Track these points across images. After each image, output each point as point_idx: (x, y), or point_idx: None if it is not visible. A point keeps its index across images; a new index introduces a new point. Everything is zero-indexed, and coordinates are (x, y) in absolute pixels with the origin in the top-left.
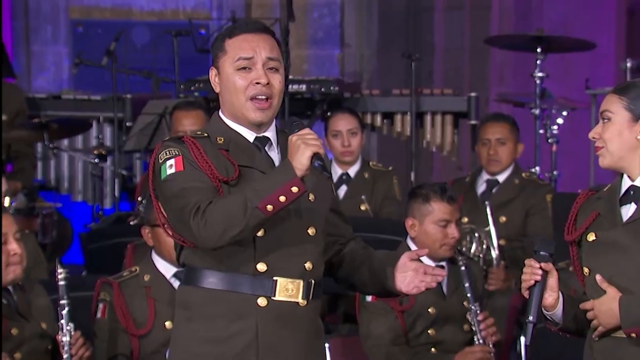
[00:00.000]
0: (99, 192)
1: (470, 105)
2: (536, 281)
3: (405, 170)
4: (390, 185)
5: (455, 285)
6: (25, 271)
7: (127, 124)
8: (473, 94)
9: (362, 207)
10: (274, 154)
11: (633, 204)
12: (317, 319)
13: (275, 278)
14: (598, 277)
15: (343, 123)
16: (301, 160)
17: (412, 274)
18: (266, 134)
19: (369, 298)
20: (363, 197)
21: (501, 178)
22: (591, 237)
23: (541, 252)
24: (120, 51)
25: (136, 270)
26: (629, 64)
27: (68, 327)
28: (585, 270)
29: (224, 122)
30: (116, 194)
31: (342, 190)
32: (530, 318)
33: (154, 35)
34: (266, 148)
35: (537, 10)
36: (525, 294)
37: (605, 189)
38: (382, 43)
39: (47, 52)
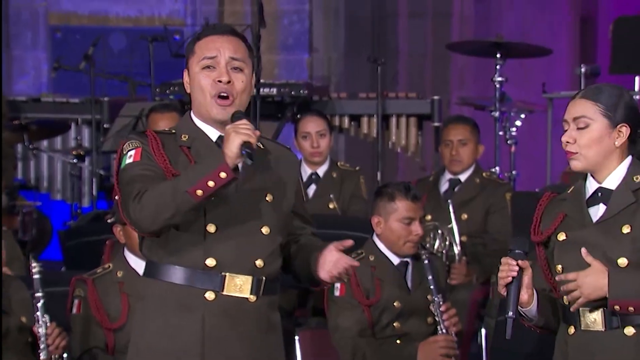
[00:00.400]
0: (77, 191)
1: (433, 108)
2: (513, 278)
3: (372, 170)
4: (357, 185)
5: (419, 280)
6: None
7: (105, 125)
8: (436, 97)
9: (331, 206)
10: None
11: (602, 204)
12: (270, 314)
13: (224, 273)
14: (583, 250)
15: (312, 125)
16: (231, 148)
17: (331, 263)
18: None
19: (337, 293)
20: (331, 196)
21: (463, 177)
22: (561, 236)
23: (516, 250)
24: (98, 56)
25: (109, 267)
26: (582, 69)
27: (44, 319)
28: (559, 267)
29: (192, 121)
30: (94, 193)
31: (311, 190)
32: (510, 314)
33: (130, 40)
34: None
35: (496, 18)
36: (503, 291)
37: (569, 191)
38: (349, 48)
39: (27, 57)
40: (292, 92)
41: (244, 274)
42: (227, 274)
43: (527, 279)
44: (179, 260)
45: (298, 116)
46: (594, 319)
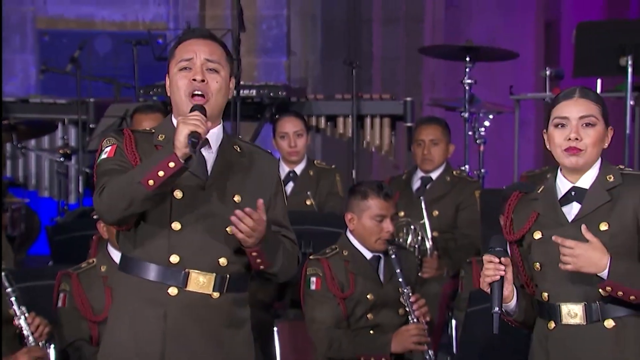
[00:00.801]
0: (64, 189)
1: (406, 109)
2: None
3: (347, 169)
4: (333, 182)
5: (390, 274)
6: None
7: (91, 125)
8: (408, 99)
9: (308, 202)
10: (208, 154)
11: (575, 203)
12: (235, 311)
13: (187, 270)
14: (583, 227)
15: (289, 125)
16: (179, 138)
17: None
18: (207, 135)
19: (312, 286)
20: (309, 193)
21: (434, 175)
22: (537, 235)
23: (497, 249)
24: (84, 59)
25: (93, 261)
26: (547, 72)
27: (21, 310)
28: (537, 265)
29: (171, 122)
30: (80, 190)
31: (289, 187)
32: (496, 310)
33: (115, 44)
34: (203, 150)
35: (466, 23)
36: (486, 288)
37: (538, 191)
38: (325, 52)
39: (15, 60)
40: (271, 94)
41: (207, 272)
42: (190, 270)
43: (508, 275)
44: (145, 256)
45: (276, 116)
46: (575, 313)
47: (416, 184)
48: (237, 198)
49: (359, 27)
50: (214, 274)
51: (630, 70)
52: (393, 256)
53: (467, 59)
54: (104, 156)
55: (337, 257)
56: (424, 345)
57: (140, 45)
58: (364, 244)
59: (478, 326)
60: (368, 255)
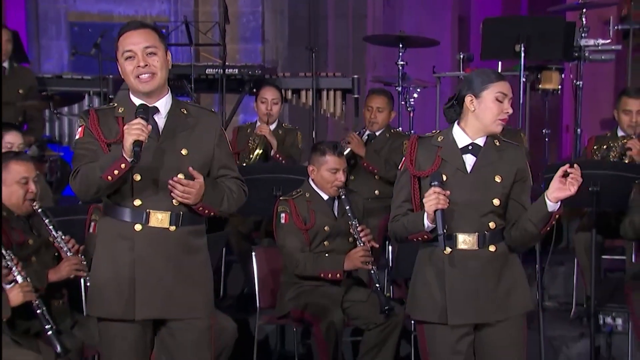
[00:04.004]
0: None
1: (353, 84)
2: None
3: (309, 130)
4: (295, 138)
5: (342, 212)
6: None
7: (110, 96)
8: (355, 76)
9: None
10: (160, 120)
11: (470, 155)
12: (190, 240)
13: (148, 210)
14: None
15: (269, 93)
16: (126, 145)
17: None
18: (156, 104)
19: (282, 220)
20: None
21: (378, 133)
22: (444, 177)
23: (436, 182)
24: (105, 44)
25: None
26: (461, 56)
27: (58, 233)
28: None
29: (129, 97)
30: None
31: None
32: (442, 231)
33: None
34: (155, 116)
35: (399, 18)
36: (432, 212)
37: (438, 139)
38: (291, 40)
39: (52, 45)
40: (250, 72)
41: (163, 210)
42: (150, 210)
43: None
44: (116, 201)
45: (254, 90)
46: (469, 240)
47: (364, 138)
48: (184, 151)
49: (317, 21)
50: (170, 212)
51: (523, 55)
52: (343, 197)
53: (400, 45)
54: (77, 137)
55: (301, 198)
56: (369, 263)
57: None
58: (322, 190)
59: (409, 250)
60: (325, 197)
